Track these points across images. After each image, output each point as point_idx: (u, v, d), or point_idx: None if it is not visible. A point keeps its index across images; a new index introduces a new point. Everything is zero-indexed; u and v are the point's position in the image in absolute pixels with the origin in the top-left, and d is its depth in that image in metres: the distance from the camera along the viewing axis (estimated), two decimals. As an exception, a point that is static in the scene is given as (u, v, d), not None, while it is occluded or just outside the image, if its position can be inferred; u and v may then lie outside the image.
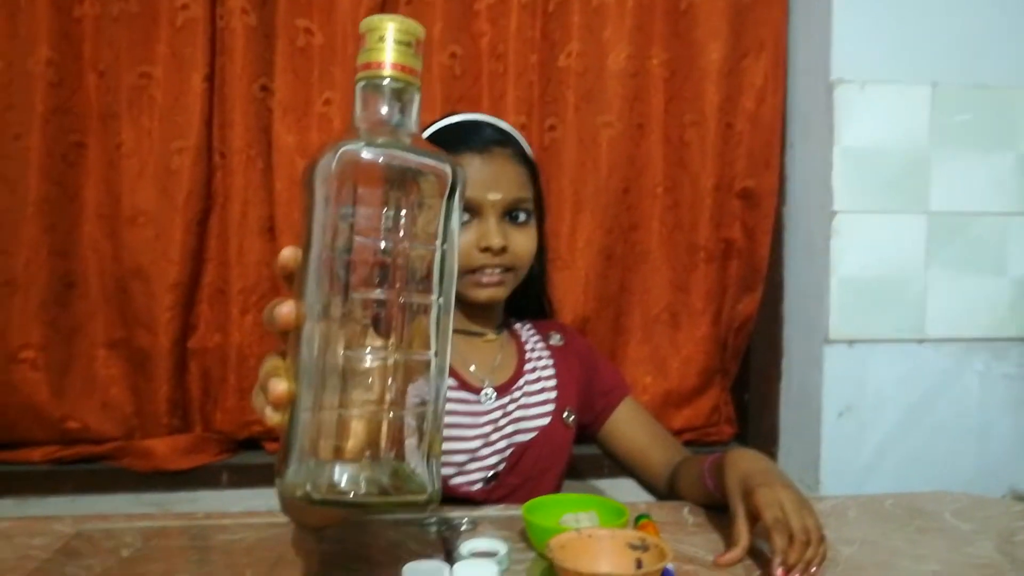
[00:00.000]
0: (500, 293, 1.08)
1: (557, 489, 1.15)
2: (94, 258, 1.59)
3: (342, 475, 0.52)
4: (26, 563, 0.82)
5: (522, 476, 1.08)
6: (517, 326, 1.22)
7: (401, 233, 0.54)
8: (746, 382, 1.83)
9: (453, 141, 1.07)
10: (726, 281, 1.77)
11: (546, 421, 1.12)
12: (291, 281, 0.56)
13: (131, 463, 1.58)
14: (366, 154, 0.53)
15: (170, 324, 1.57)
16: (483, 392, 1.09)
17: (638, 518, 0.91)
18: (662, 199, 1.73)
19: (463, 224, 1.03)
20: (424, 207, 0.55)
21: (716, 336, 1.77)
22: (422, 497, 0.54)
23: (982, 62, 1.58)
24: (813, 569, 0.80)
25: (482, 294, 1.06)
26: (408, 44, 0.56)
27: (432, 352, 0.55)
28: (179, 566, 0.82)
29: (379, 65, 0.56)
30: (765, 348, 1.79)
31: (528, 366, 1.15)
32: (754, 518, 0.86)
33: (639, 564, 0.76)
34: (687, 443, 1.78)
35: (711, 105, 1.69)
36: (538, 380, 1.15)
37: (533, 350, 1.18)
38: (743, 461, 0.93)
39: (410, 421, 0.54)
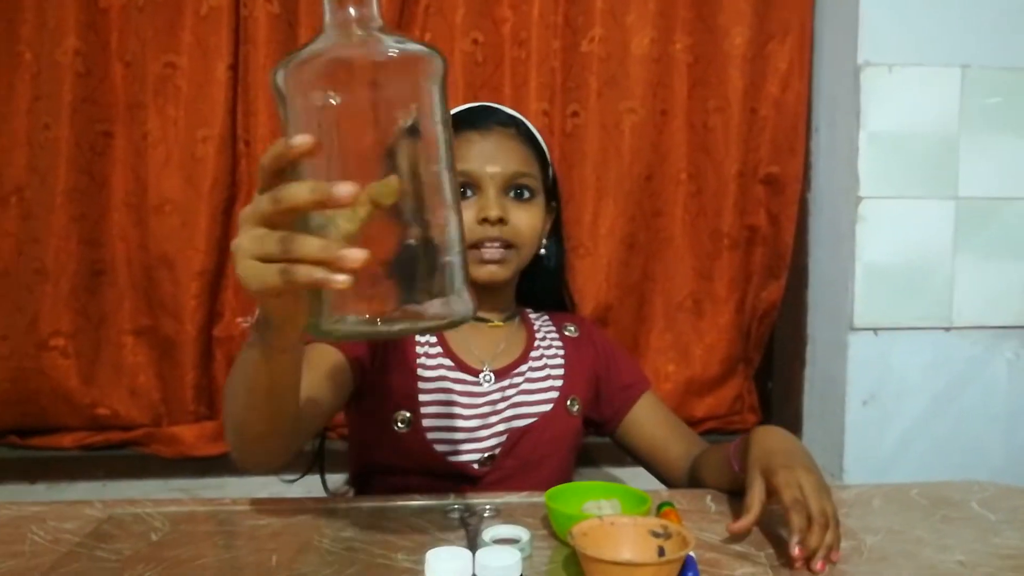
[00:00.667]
0: (501, 273, 1.08)
1: (563, 477, 1.14)
2: (122, 246, 1.61)
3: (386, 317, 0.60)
4: (58, 546, 0.84)
5: (520, 460, 1.09)
6: (532, 316, 1.22)
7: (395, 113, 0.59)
8: (770, 370, 1.81)
9: (458, 124, 1.08)
10: (750, 268, 1.76)
11: (547, 408, 1.12)
12: (278, 174, 0.60)
13: (158, 449, 1.61)
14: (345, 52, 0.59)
15: (196, 312, 1.59)
16: (482, 374, 1.10)
17: (660, 506, 0.91)
18: (686, 186, 1.72)
19: (465, 200, 1.05)
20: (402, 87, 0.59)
21: (740, 324, 1.76)
22: (458, 319, 0.62)
23: (1013, 44, 1.55)
24: (835, 555, 0.80)
25: (483, 272, 1.06)
26: None
27: (444, 197, 0.62)
28: (206, 551, 0.84)
29: None
30: (789, 336, 1.77)
31: (535, 353, 1.15)
32: (770, 496, 0.85)
33: (661, 551, 0.76)
34: (709, 432, 1.77)
35: (735, 90, 1.68)
36: (543, 367, 1.15)
37: (544, 339, 1.19)
38: (769, 439, 0.93)
39: (440, 249, 0.61)
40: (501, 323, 1.15)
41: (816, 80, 1.70)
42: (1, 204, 1.56)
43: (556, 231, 1.21)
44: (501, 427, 1.09)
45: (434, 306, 0.61)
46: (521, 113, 1.61)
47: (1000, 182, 1.57)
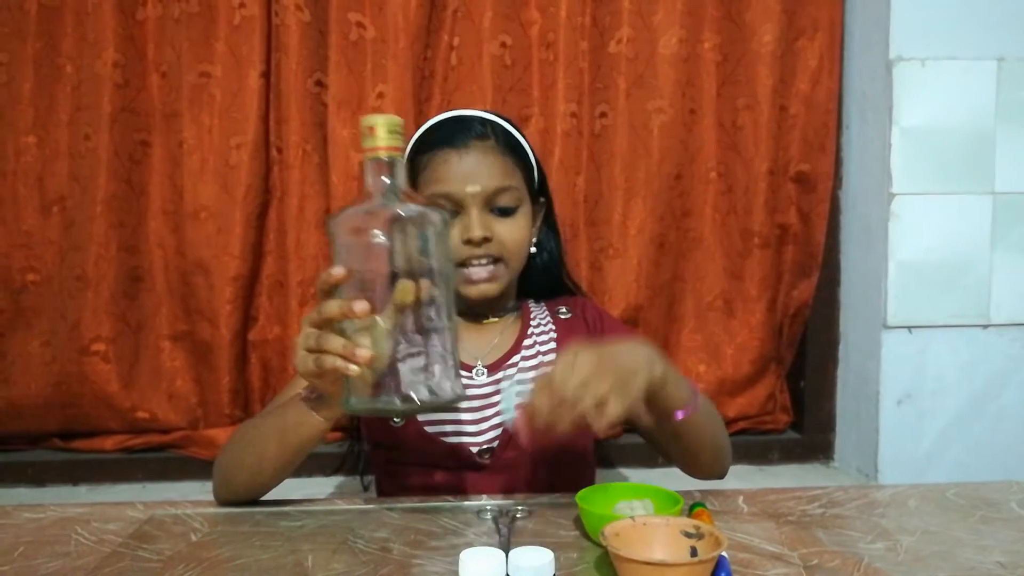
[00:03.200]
0: (491, 289, 1.09)
1: (575, 463, 1.14)
2: (159, 253, 1.64)
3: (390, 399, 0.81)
4: (102, 547, 0.87)
5: (521, 449, 1.09)
6: (532, 306, 1.22)
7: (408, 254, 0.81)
8: (802, 369, 1.80)
9: (431, 141, 1.10)
10: (781, 267, 1.74)
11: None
12: (329, 292, 0.81)
13: (196, 452, 1.64)
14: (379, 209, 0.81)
15: (231, 317, 1.61)
16: (475, 369, 1.11)
17: (693, 506, 0.91)
18: (715, 185, 1.71)
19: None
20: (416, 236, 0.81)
21: (771, 323, 1.75)
22: (446, 404, 0.83)
23: (1051, 36, 1.53)
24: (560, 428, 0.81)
25: (473, 291, 1.08)
26: (392, 132, 0.82)
27: (436, 316, 0.81)
28: (244, 551, 0.85)
29: (374, 149, 0.82)
30: (821, 335, 1.76)
31: (527, 342, 1.15)
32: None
33: (694, 552, 0.76)
34: (741, 432, 1.77)
35: (764, 88, 1.67)
36: (535, 355, 1.15)
37: (538, 326, 1.18)
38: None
39: (434, 352, 0.81)
40: (496, 319, 1.16)
41: (847, 76, 1.68)
42: (44, 213, 1.60)
43: (548, 223, 1.21)
44: (496, 419, 1.10)
45: (426, 393, 0.80)
46: (549, 114, 1.63)
47: (1039, 177, 1.54)
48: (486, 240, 1.06)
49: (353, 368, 0.78)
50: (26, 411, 1.62)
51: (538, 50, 1.64)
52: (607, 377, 0.81)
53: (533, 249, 1.17)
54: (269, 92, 1.62)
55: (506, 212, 1.09)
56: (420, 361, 0.81)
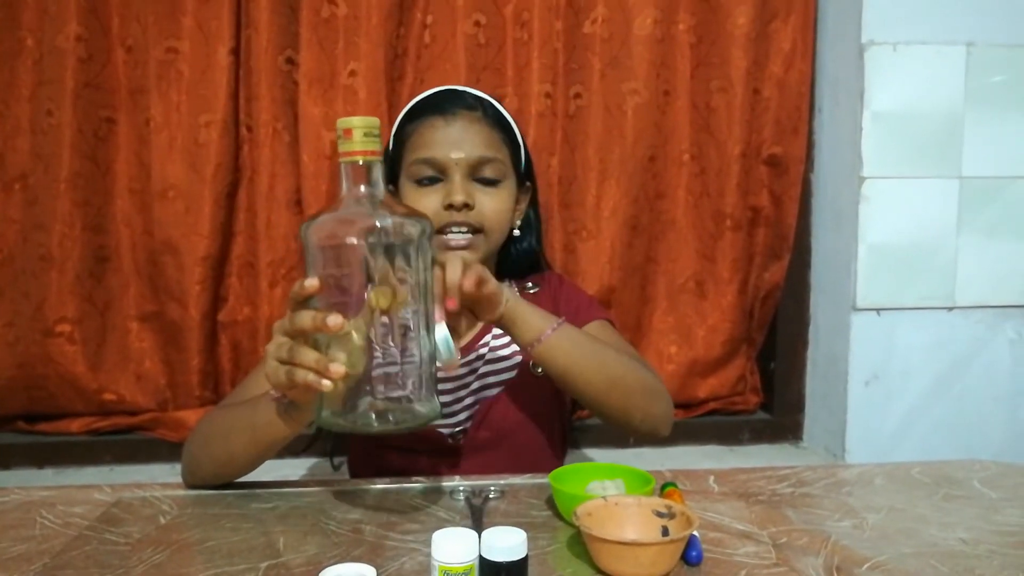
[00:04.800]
0: (469, 258, 1.07)
1: (544, 444, 1.15)
2: (126, 232, 1.61)
3: (366, 416, 0.79)
4: (68, 530, 0.85)
5: (493, 430, 1.10)
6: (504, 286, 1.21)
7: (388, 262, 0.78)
8: (772, 351, 1.82)
9: (420, 110, 1.10)
10: (753, 249, 1.76)
11: (513, 374, 1.12)
12: (303, 301, 0.79)
13: (165, 434, 1.63)
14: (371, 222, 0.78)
15: (200, 297, 1.59)
16: None
17: (664, 486, 0.92)
18: (688, 167, 1.71)
19: (431, 186, 1.08)
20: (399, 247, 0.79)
21: (742, 305, 1.76)
22: (422, 421, 0.80)
23: (1019, 21, 1.55)
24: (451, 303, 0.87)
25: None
26: (369, 135, 0.79)
27: (414, 328, 0.80)
28: (215, 533, 0.84)
29: (351, 153, 0.79)
30: (792, 317, 1.78)
31: None
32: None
33: (665, 531, 0.77)
34: (712, 412, 1.78)
35: (738, 71, 1.67)
36: (505, 334, 1.14)
37: None
38: None
39: (410, 368, 0.79)
40: None
41: (819, 60, 1.69)
42: (5, 190, 1.56)
43: (533, 208, 1.21)
44: (470, 400, 1.10)
45: (401, 411, 0.79)
46: (523, 95, 1.62)
47: (1005, 161, 1.57)
48: (467, 207, 1.05)
49: (326, 383, 0.76)
50: (-11, 393, 1.59)
51: (512, 29, 1.63)
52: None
53: (516, 232, 1.17)
54: (239, 69, 1.59)
55: (490, 183, 1.09)
56: (397, 376, 0.78)
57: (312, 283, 0.77)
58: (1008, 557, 0.79)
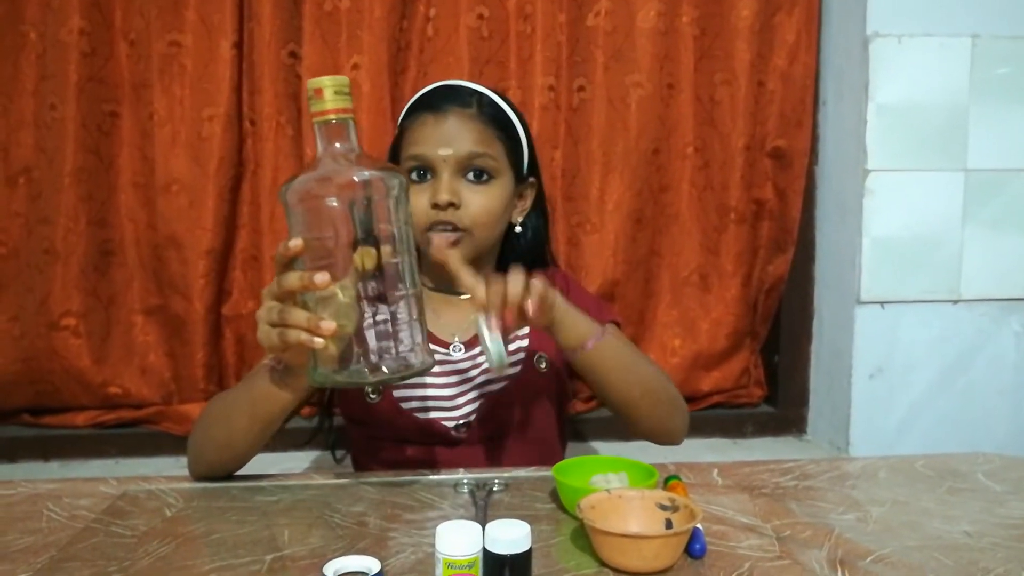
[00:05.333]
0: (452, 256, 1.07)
1: (548, 439, 1.15)
2: (130, 226, 1.62)
3: (359, 370, 0.81)
4: (75, 523, 0.86)
5: (496, 424, 1.10)
6: None
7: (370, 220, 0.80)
8: (776, 344, 1.82)
9: (416, 106, 1.10)
10: (757, 242, 1.75)
11: (517, 370, 1.11)
12: (288, 264, 0.80)
13: (169, 427, 1.63)
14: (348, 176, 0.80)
15: (204, 291, 1.59)
16: (452, 345, 1.11)
17: (668, 479, 0.92)
18: (692, 160, 1.71)
19: (423, 183, 1.07)
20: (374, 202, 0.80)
21: (746, 298, 1.76)
22: (413, 372, 0.83)
23: (1024, 13, 1.54)
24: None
25: (437, 255, 1.06)
26: (340, 92, 0.79)
27: (400, 283, 0.81)
28: (220, 526, 0.85)
29: (323, 112, 0.79)
30: (796, 310, 1.77)
31: None
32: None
33: (669, 524, 0.77)
34: (716, 406, 1.78)
35: (742, 63, 1.66)
36: None
37: None
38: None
39: (401, 320, 0.81)
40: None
41: (824, 52, 1.68)
42: (9, 184, 1.56)
43: (539, 203, 1.20)
44: (474, 394, 1.10)
45: (394, 362, 0.81)
46: (527, 88, 1.62)
47: (1010, 154, 1.56)
48: (451, 205, 1.05)
49: (318, 341, 0.78)
50: (-6, 387, 1.59)
51: (515, 22, 1.63)
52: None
53: (518, 228, 1.16)
54: (242, 63, 1.59)
55: (480, 180, 1.08)
56: (387, 329, 0.80)
57: (296, 243, 0.78)
58: (1012, 550, 0.79)
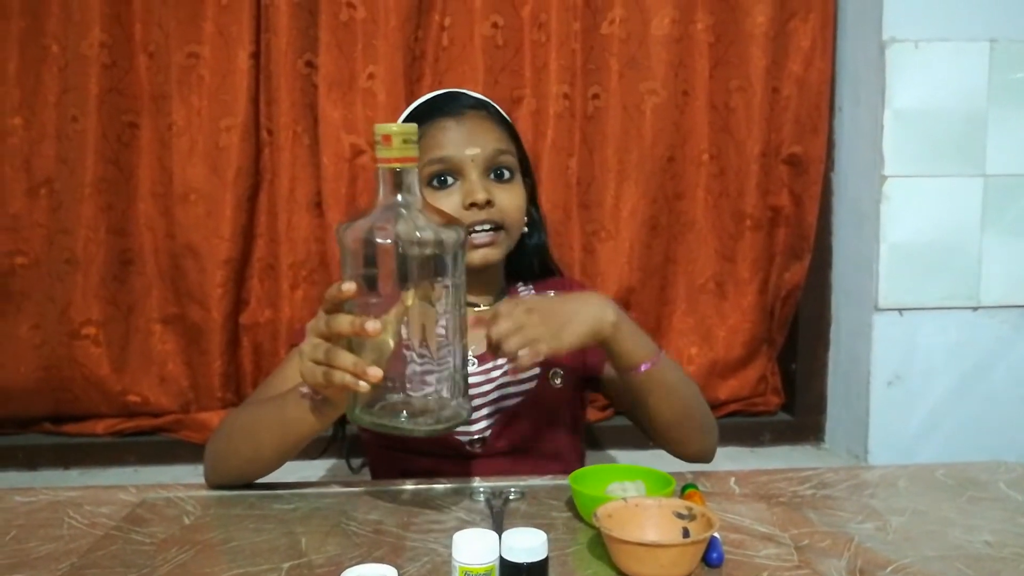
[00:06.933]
0: (493, 254, 1.08)
1: (564, 453, 1.15)
2: (149, 236, 1.63)
3: (397, 415, 0.82)
4: (95, 530, 0.87)
5: (512, 440, 1.09)
6: (522, 291, 1.21)
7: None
8: (793, 351, 1.80)
9: (428, 112, 1.10)
10: (773, 249, 1.74)
11: (532, 385, 1.11)
12: (338, 305, 0.81)
13: (188, 435, 1.64)
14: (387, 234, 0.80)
15: (222, 300, 1.61)
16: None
17: (684, 488, 0.92)
18: (708, 167, 1.71)
19: (448, 187, 1.08)
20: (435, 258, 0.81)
21: (763, 305, 1.75)
22: (453, 424, 0.83)
23: (1044, 17, 1.52)
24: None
25: (475, 256, 1.06)
26: (408, 142, 0.80)
27: (446, 334, 0.82)
28: (237, 534, 0.85)
29: (388, 160, 0.80)
30: (813, 317, 1.76)
31: None
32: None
33: (686, 533, 0.77)
34: (733, 414, 1.77)
35: (757, 70, 1.66)
36: None
37: None
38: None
39: (445, 372, 0.82)
40: (488, 307, 1.14)
41: (840, 58, 1.68)
42: (31, 196, 1.58)
43: (533, 205, 1.21)
44: (488, 409, 1.10)
45: (437, 414, 0.82)
46: (542, 96, 1.63)
47: (1029, 159, 1.55)
48: (489, 204, 1.05)
49: (363, 386, 0.78)
50: (16, 395, 1.61)
51: (530, 31, 1.63)
52: (539, 325, 0.90)
53: (525, 228, 1.17)
54: (259, 73, 1.60)
55: (504, 179, 1.09)
56: (430, 380, 0.81)
57: (349, 287, 0.79)
58: (1034, 560, 0.78)
